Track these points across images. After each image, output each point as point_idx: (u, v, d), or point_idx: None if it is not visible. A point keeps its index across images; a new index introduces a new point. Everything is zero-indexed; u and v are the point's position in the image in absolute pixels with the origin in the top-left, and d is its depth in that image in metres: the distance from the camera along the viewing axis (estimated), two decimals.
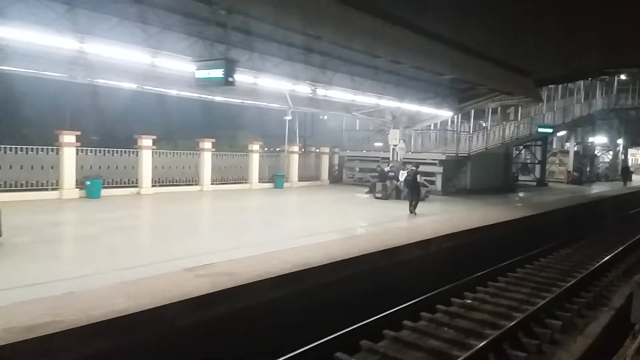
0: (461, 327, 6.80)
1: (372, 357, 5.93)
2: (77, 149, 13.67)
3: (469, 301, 8.00)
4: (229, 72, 7.77)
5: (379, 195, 17.24)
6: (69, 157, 13.34)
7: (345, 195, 18.57)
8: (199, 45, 9.78)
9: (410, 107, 17.19)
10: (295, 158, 21.23)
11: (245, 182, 19.03)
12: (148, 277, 6.21)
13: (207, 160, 17.31)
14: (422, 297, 7.65)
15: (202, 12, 8.73)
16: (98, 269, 6.54)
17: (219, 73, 7.77)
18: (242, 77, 10.65)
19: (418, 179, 13.97)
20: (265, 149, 21.14)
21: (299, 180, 21.37)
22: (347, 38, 10.36)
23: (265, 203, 15.88)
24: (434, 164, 19.84)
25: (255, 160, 19.22)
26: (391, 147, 18.61)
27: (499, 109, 21.33)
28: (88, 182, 13.39)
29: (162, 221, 11.90)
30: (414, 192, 13.80)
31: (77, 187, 13.57)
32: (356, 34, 10.47)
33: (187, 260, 7.14)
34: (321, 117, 31.74)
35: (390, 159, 18.58)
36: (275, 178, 19.91)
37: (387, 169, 18.02)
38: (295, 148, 21.46)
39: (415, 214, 13.28)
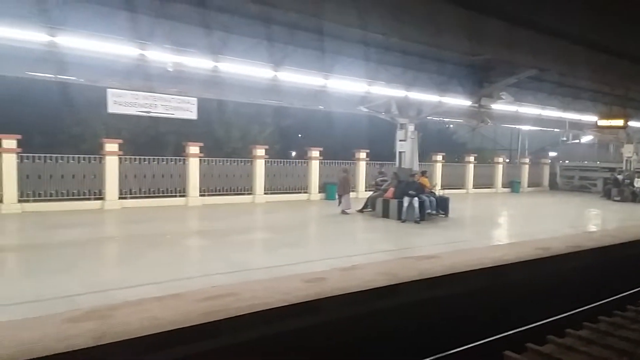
0: None
1: None
2: (319, 162, 18.66)
3: None
4: (627, 121, 13.19)
5: (617, 198, 21.07)
6: (314, 168, 18.57)
7: (581, 198, 22.50)
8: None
9: None
10: (525, 168, 26.00)
11: (492, 187, 24.37)
12: (560, 236, 11.73)
13: (470, 170, 23.07)
14: None
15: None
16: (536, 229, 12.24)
17: (620, 122, 13.21)
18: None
19: None
20: (507, 160, 26.25)
21: (527, 186, 26.03)
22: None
23: (534, 203, 20.61)
24: None
25: (500, 169, 24.49)
26: (624, 158, 22.28)
27: None
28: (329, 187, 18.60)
29: (485, 212, 17.58)
30: None
31: (319, 192, 18.73)
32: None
33: (563, 230, 12.53)
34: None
35: (624, 168, 22.24)
36: (512, 184, 24.89)
37: (620, 177, 21.78)
38: (526, 160, 26.27)
39: None
